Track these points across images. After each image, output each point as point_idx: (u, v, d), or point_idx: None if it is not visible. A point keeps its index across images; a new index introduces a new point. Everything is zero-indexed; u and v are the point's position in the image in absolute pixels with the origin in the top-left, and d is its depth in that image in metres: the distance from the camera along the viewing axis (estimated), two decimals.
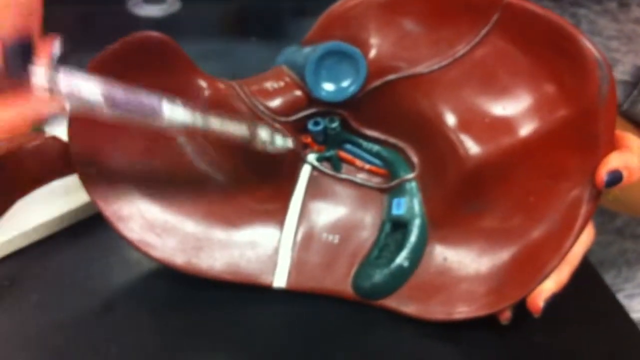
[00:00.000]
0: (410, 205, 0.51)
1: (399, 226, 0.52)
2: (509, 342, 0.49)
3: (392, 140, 0.52)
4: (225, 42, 0.90)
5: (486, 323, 0.48)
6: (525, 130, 0.47)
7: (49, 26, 0.87)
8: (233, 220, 0.52)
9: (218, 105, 0.49)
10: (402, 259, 0.50)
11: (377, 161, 0.53)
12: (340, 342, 0.49)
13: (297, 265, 0.52)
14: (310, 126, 0.52)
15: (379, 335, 0.50)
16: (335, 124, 0.51)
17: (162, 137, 0.50)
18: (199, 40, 0.86)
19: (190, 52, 0.49)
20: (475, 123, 0.49)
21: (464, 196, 0.50)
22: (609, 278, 0.82)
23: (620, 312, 0.53)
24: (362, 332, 0.50)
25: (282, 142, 0.49)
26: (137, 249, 0.49)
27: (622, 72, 0.60)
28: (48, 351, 0.47)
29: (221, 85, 0.50)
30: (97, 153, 0.48)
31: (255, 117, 0.50)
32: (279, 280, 0.51)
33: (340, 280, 0.52)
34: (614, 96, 0.44)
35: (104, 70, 0.45)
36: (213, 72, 0.51)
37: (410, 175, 0.52)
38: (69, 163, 0.48)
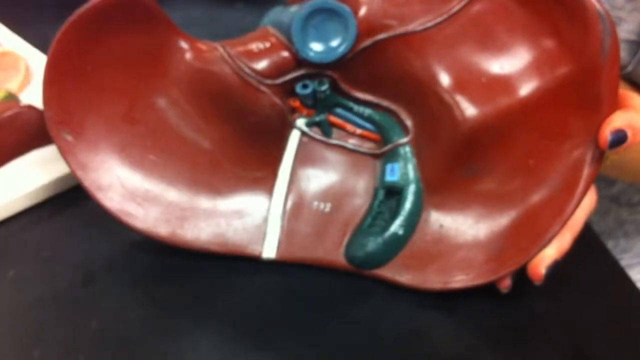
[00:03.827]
0: (404, 171, 0.49)
1: (393, 193, 0.50)
2: (508, 311, 0.48)
3: (384, 103, 0.50)
4: (210, 8, 0.87)
5: (484, 292, 0.47)
6: (525, 89, 0.45)
7: None
8: (219, 188, 0.50)
9: (201, 69, 0.47)
10: (396, 227, 0.49)
11: (369, 125, 0.51)
12: (332, 313, 0.48)
13: (287, 235, 0.50)
14: (298, 89, 0.49)
15: (373, 305, 0.48)
16: (324, 87, 0.49)
17: (143, 102, 0.48)
18: (182, 7, 0.83)
19: (174, 19, 0.47)
20: (472, 83, 0.46)
21: (460, 160, 0.48)
22: None
23: (623, 279, 0.52)
24: (355, 302, 0.49)
25: None
26: (118, 219, 0.47)
27: (627, 31, 0.58)
28: (25, 328, 0.45)
29: (204, 47, 0.48)
30: (74, 119, 0.46)
31: (240, 80, 0.47)
32: (268, 251, 0.50)
33: (332, 250, 0.50)
34: (617, 51, 0.42)
35: (79, 31, 0.44)
36: (199, 39, 0.49)
37: (404, 140, 0.50)
38: (46, 132, 0.46)
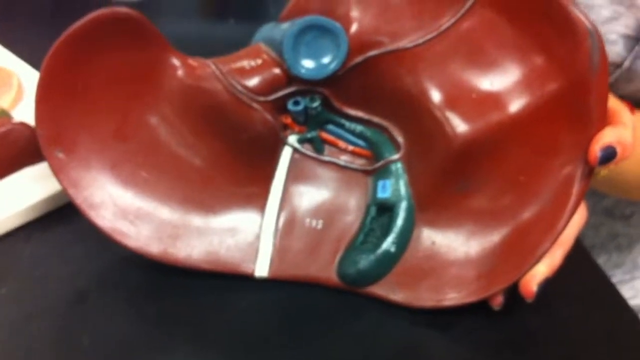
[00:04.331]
0: (396, 187, 0.49)
1: (385, 209, 0.50)
2: (501, 327, 0.48)
3: (375, 119, 0.50)
4: (203, 24, 0.88)
5: (477, 307, 0.47)
6: (515, 105, 0.46)
7: (21, 11, 0.85)
8: (211, 205, 0.50)
9: (193, 86, 0.47)
10: (388, 244, 0.49)
11: (360, 142, 0.51)
12: (326, 330, 0.48)
13: (280, 252, 0.50)
14: (290, 106, 0.49)
15: (367, 321, 0.48)
16: (316, 104, 0.49)
17: (134, 119, 0.48)
18: (175, 24, 0.83)
19: (167, 36, 0.47)
20: (462, 99, 0.47)
21: (451, 176, 0.48)
22: (599, 263, 0.81)
23: (614, 295, 0.53)
24: (349, 318, 0.48)
25: None
26: (110, 237, 0.47)
27: (625, 26, 0.58)
28: (17, 345, 0.45)
29: (195, 64, 0.48)
30: (66, 137, 0.46)
31: (232, 97, 0.47)
32: (261, 269, 0.50)
33: (324, 267, 0.50)
34: (606, 67, 0.42)
35: (71, 49, 0.44)
36: (191, 55, 0.49)
37: (396, 156, 0.50)
38: (38, 150, 0.46)
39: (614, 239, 0.80)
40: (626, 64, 0.60)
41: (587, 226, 0.49)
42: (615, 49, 0.59)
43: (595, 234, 0.80)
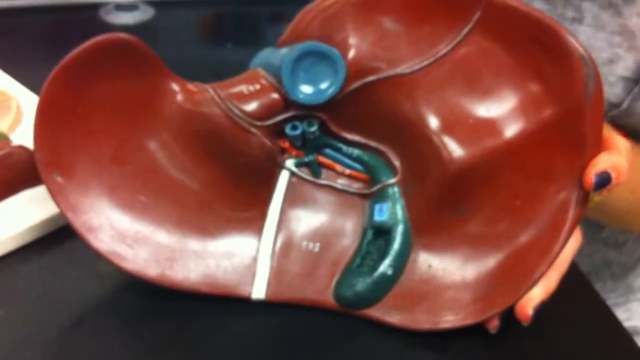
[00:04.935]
0: (392, 211, 0.50)
1: (382, 233, 0.50)
2: (497, 350, 0.48)
3: (373, 143, 0.51)
4: (201, 49, 0.89)
5: (473, 330, 0.47)
6: (511, 131, 0.46)
7: (20, 35, 0.86)
8: (208, 229, 0.50)
9: (191, 110, 0.48)
10: (385, 267, 0.49)
11: (357, 166, 0.52)
12: (323, 353, 0.48)
13: (277, 275, 0.50)
14: (288, 130, 0.50)
15: (363, 345, 0.48)
16: (313, 128, 0.50)
17: (132, 143, 0.48)
18: (173, 48, 0.84)
19: (164, 60, 0.48)
20: (459, 125, 0.47)
21: (448, 200, 0.48)
22: None
23: (609, 317, 0.53)
24: (345, 342, 0.48)
25: None
26: (108, 260, 0.47)
27: (623, 68, 0.59)
28: None
29: (194, 89, 0.48)
30: (65, 161, 0.46)
31: (230, 121, 0.48)
32: (258, 291, 0.50)
33: (321, 290, 0.50)
34: (601, 94, 0.43)
35: (70, 75, 0.44)
36: (188, 79, 0.49)
37: (392, 180, 0.50)
38: (37, 173, 0.46)
39: (608, 267, 0.80)
40: (624, 105, 0.61)
41: (581, 254, 0.49)
42: (614, 91, 0.60)
43: (589, 262, 0.80)
